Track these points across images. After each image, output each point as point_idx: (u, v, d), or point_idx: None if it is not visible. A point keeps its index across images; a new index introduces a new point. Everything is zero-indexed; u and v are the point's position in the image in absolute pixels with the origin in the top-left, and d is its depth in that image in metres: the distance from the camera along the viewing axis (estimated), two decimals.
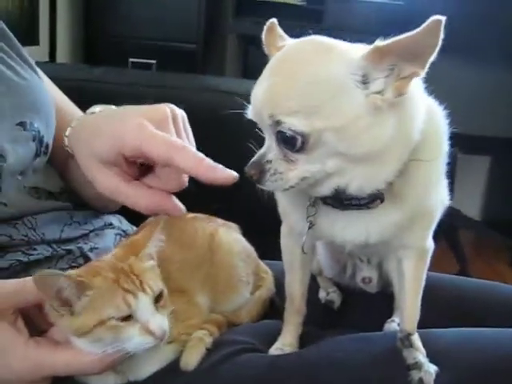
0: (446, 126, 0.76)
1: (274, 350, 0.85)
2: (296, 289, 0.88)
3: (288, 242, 0.86)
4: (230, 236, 0.95)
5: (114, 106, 0.90)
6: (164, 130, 0.73)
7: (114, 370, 0.76)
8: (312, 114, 0.65)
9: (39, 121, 0.90)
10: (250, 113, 0.71)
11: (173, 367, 0.78)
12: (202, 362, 0.78)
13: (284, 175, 0.69)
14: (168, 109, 0.78)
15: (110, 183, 0.75)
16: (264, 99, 0.67)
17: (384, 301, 0.98)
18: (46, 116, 0.93)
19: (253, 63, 2.54)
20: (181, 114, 0.81)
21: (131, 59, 2.46)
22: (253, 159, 0.71)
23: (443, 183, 0.83)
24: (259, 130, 0.72)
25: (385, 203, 0.73)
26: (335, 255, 0.99)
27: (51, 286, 0.67)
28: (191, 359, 0.78)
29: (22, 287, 0.71)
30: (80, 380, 0.76)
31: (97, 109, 0.89)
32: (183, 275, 0.86)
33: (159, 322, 0.71)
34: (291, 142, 0.67)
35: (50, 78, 1.04)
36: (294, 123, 0.65)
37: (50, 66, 1.91)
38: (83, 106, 1.17)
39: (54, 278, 0.67)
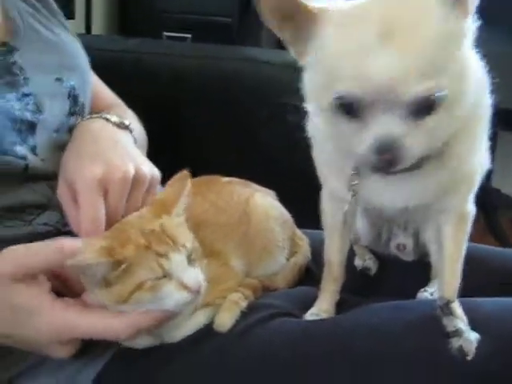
0: (486, 82, 0.73)
1: (310, 316, 0.84)
2: (335, 255, 0.86)
3: (328, 207, 0.84)
4: (266, 201, 0.94)
5: (127, 122, 0.90)
6: (112, 192, 0.76)
7: (149, 332, 0.75)
8: (442, 71, 0.61)
9: (75, 79, 0.92)
10: (364, 90, 0.61)
11: (207, 330, 0.77)
12: (236, 325, 0.78)
13: (415, 146, 0.64)
14: (131, 173, 0.77)
15: (62, 193, 0.78)
16: (392, 71, 0.59)
17: (420, 270, 0.96)
18: (82, 76, 0.95)
19: None
20: (150, 177, 0.81)
21: (166, 33, 2.43)
22: (377, 144, 0.64)
23: (484, 145, 0.80)
24: (351, 110, 0.64)
25: (428, 165, 0.71)
26: (371, 221, 0.96)
27: (87, 271, 0.67)
28: (225, 321, 0.77)
29: (54, 251, 0.70)
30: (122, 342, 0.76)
31: (113, 118, 0.89)
32: (218, 239, 0.85)
33: (193, 276, 0.70)
34: (425, 108, 0.62)
35: (86, 48, 1.04)
36: (430, 86, 0.60)
37: (84, 37, 1.90)
38: (119, 77, 1.20)
39: (90, 266, 0.66)
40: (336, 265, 0.87)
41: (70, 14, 2.19)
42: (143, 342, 0.76)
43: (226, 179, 0.95)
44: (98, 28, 2.43)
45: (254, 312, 0.80)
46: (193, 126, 1.46)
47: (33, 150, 0.83)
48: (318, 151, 0.79)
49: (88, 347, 0.75)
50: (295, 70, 0.70)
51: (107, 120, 0.88)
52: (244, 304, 0.80)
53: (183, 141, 1.45)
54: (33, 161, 0.82)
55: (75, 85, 0.91)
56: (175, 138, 1.43)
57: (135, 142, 0.90)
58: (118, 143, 0.84)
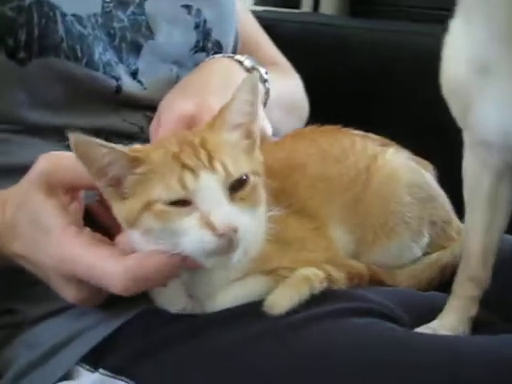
0: None
1: (424, 329, 0.55)
2: (476, 239, 0.56)
3: (471, 162, 0.56)
4: (399, 158, 0.67)
5: (263, 70, 0.76)
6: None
7: (188, 292, 0.56)
8: None
9: (210, 11, 0.80)
10: None
11: (257, 307, 0.54)
12: (296, 311, 0.53)
13: None
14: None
15: (152, 126, 0.68)
16: None
17: None
18: (219, 10, 0.81)
19: None
20: None
21: None
22: None
23: None
24: None
25: None
26: None
27: (91, 158, 0.50)
28: (280, 300, 0.53)
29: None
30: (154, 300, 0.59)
31: (246, 62, 0.74)
32: (317, 196, 0.62)
33: (227, 214, 0.48)
34: None
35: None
36: None
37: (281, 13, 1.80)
38: (319, 50, 1.18)
39: (91, 147, 0.50)
40: (476, 254, 0.57)
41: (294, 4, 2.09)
42: (177, 304, 0.57)
43: (360, 132, 0.71)
44: None
45: (331, 300, 0.55)
46: (385, 102, 1.24)
47: (133, 74, 0.72)
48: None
49: (112, 303, 0.59)
50: None
51: (239, 62, 0.74)
52: (319, 285, 0.55)
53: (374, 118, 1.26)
54: (129, 85, 0.71)
55: (208, 17, 0.79)
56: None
57: (266, 95, 0.76)
58: (232, 85, 0.69)
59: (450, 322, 0.56)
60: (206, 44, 0.79)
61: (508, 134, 0.49)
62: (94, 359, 0.58)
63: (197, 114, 0.63)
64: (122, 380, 0.55)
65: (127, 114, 0.71)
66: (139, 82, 0.72)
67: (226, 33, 0.82)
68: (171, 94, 0.69)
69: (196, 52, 0.78)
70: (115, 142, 0.66)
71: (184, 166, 0.49)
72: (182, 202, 0.48)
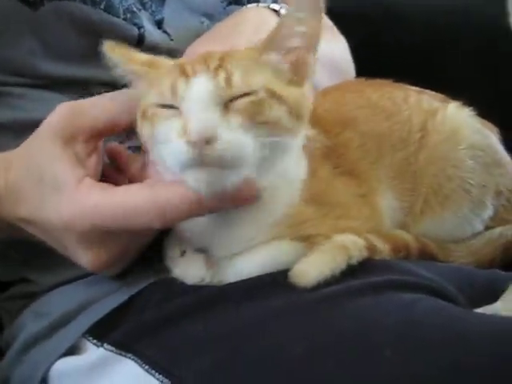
0: None
1: (484, 311, 0.46)
2: None
3: None
4: (463, 117, 0.58)
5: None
6: None
7: (207, 257, 0.50)
8: None
9: None
10: None
11: (284, 277, 0.46)
12: (329, 283, 0.45)
13: None
14: None
15: None
16: None
17: None
18: None
19: None
20: None
21: None
22: None
23: None
24: None
25: None
26: None
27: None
28: (309, 270, 0.46)
29: (104, 102, 0.51)
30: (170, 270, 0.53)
31: (282, 10, 0.68)
32: (367, 157, 0.54)
33: (205, 120, 0.42)
34: None
35: None
36: None
37: None
38: (367, 23, 1.07)
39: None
40: None
41: None
42: (194, 274, 0.50)
43: (415, 88, 0.62)
44: None
45: (371, 271, 0.46)
46: (446, 76, 1.14)
47: (158, 23, 0.67)
48: None
49: (123, 274, 0.54)
50: None
51: (274, 11, 0.68)
52: (357, 255, 0.47)
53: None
54: (153, 34, 0.65)
55: None
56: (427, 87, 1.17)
57: None
58: (263, 28, 0.62)
59: None
60: None
61: None
62: (100, 333, 0.52)
63: None
64: (126, 357, 0.49)
65: None
66: (165, 32, 0.66)
67: None
68: (197, 41, 0.63)
69: (229, 4, 0.72)
70: None
71: (182, 73, 0.44)
72: (172, 108, 0.44)
